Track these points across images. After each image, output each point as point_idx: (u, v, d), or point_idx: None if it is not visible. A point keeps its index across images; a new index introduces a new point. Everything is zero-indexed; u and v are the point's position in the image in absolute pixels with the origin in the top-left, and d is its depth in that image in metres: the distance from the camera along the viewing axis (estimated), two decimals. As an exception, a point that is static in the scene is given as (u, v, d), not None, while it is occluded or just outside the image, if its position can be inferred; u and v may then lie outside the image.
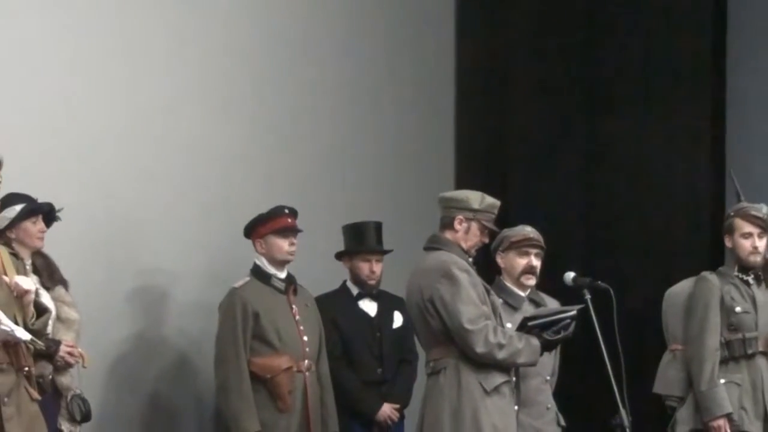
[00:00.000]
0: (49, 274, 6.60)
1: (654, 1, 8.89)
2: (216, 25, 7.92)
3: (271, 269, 7.16)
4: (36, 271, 6.48)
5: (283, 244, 7.11)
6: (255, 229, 7.17)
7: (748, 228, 7.11)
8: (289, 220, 7.16)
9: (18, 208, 6.47)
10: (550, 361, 6.88)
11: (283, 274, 7.18)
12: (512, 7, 9.06)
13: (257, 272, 7.15)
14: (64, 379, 6.52)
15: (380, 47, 8.70)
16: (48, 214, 6.67)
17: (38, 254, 6.60)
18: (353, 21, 8.55)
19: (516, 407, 6.47)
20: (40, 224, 6.57)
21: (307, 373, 7.12)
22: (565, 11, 9.03)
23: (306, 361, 7.12)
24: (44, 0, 7.18)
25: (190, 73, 7.87)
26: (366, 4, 8.65)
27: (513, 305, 6.91)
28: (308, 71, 8.41)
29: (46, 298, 6.15)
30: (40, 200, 6.61)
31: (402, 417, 7.57)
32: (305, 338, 7.15)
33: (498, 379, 6.33)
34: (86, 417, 6.58)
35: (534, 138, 9.09)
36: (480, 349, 6.27)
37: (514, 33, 9.11)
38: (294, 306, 7.19)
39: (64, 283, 6.65)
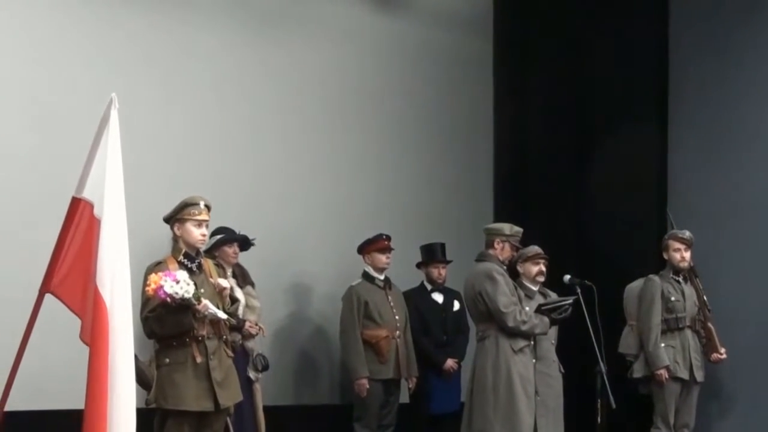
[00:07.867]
0: (242, 277, 7.56)
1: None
2: (328, 96, 8.64)
3: (374, 274, 8.33)
4: (234, 275, 7.36)
5: (382, 258, 8.29)
6: (364, 248, 8.36)
7: (678, 245, 8.32)
8: (386, 243, 8.32)
9: (217, 237, 7.35)
10: (554, 332, 7.92)
11: (382, 277, 8.33)
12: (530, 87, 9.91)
13: (366, 275, 8.33)
14: (249, 344, 7.55)
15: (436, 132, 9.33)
16: (242, 242, 7.47)
17: (236, 265, 7.53)
18: (413, 97, 9.26)
19: (534, 361, 7.54)
20: (234, 248, 7.42)
21: (398, 339, 8.21)
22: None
23: (397, 332, 8.21)
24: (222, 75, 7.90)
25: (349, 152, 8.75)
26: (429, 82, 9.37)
27: (529, 296, 7.93)
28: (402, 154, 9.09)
29: (238, 293, 7.15)
30: (238, 229, 7.49)
31: (459, 367, 8.52)
32: (396, 317, 8.26)
33: (522, 343, 7.50)
34: (266, 367, 7.60)
35: (546, 186, 9.90)
36: (511, 324, 7.43)
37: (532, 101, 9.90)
38: (389, 297, 8.29)
39: (252, 284, 7.67)
